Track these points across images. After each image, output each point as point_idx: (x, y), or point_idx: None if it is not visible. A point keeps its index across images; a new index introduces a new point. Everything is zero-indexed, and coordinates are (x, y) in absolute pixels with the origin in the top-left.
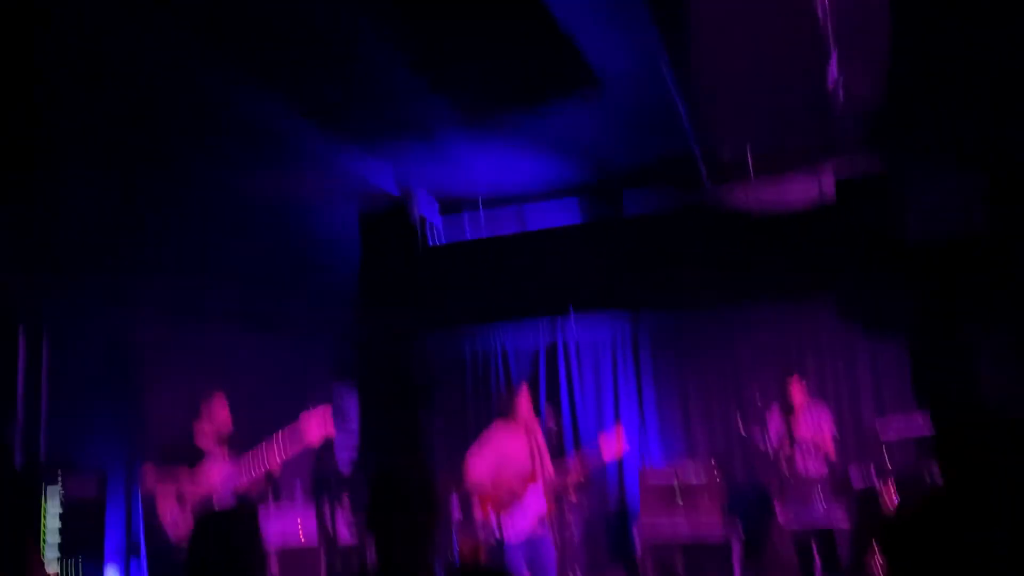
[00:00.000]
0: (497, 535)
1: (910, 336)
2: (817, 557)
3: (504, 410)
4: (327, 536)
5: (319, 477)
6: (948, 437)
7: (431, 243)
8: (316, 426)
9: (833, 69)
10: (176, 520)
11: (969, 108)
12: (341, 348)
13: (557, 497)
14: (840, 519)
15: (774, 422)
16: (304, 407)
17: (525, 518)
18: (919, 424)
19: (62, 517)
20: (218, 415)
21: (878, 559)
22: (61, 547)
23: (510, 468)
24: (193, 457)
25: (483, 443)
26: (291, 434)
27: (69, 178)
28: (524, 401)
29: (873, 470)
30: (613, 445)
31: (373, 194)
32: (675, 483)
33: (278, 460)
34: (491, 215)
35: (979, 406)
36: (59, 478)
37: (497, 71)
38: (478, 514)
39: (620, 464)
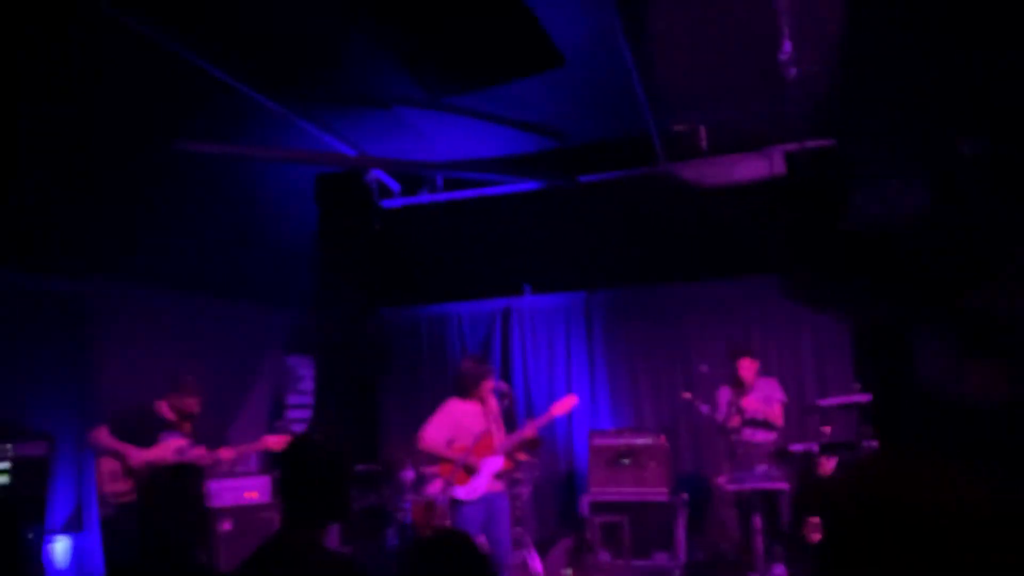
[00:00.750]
0: (452, 495)
1: (852, 316)
2: (757, 518)
3: (467, 388)
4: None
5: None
6: (884, 418)
7: (387, 206)
8: (277, 441)
9: (786, 47)
10: (119, 486)
11: (919, 94)
12: (297, 316)
13: (508, 457)
14: (780, 482)
15: (723, 399)
16: (257, 376)
17: (480, 478)
18: (856, 392)
19: (10, 474)
20: (188, 399)
21: (814, 520)
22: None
23: (464, 431)
24: (147, 431)
25: (437, 413)
26: (252, 448)
27: (20, 137)
28: (488, 386)
29: (811, 436)
30: (564, 404)
31: (331, 157)
32: (622, 445)
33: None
34: (449, 188)
35: (915, 388)
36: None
37: (456, 44)
38: (433, 476)
39: (570, 429)
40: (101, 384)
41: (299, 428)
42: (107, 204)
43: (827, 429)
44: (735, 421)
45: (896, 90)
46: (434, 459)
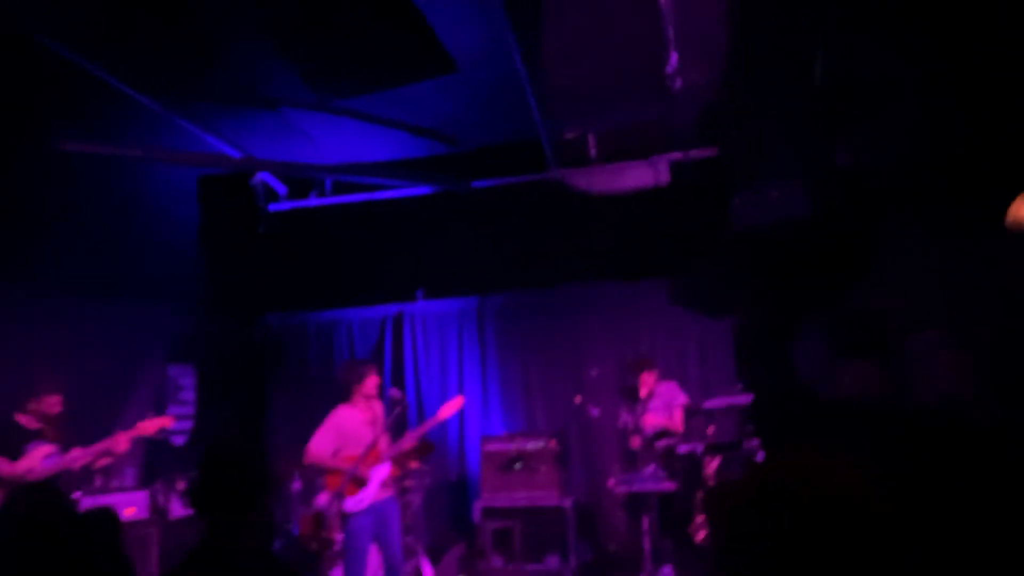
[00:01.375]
0: (340, 506)
1: (734, 319)
2: (646, 519)
3: (348, 392)
4: (158, 509)
5: (152, 454)
6: (764, 416)
7: (273, 209)
8: (153, 424)
9: (672, 58)
10: None
11: (800, 104)
12: (177, 322)
13: (398, 464)
14: (667, 482)
15: (623, 417)
16: (135, 386)
17: (368, 487)
18: (739, 393)
19: None
20: (47, 400)
21: (700, 519)
22: None
23: (350, 439)
24: (14, 441)
25: (323, 424)
26: (127, 434)
27: None
28: (371, 383)
29: (696, 436)
30: (451, 406)
31: (214, 160)
32: (513, 450)
33: (112, 455)
34: (338, 192)
35: (792, 387)
36: None
37: (347, 47)
38: (321, 487)
39: (461, 434)
40: None
41: (180, 440)
42: None
43: (711, 430)
44: (636, 442)
45: (776, 100)
46: (321, 471)
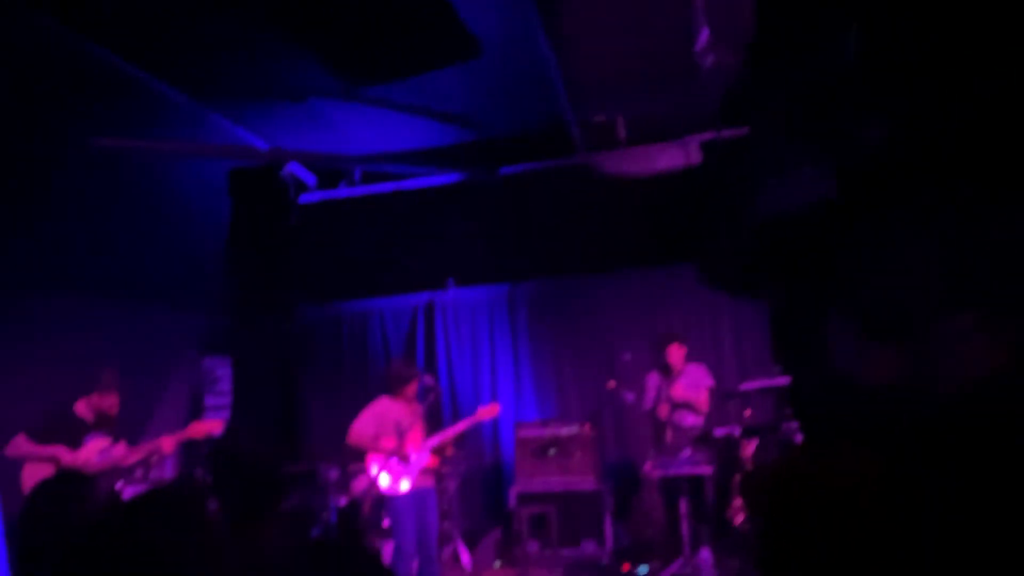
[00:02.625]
0: (383, 490)
1: (768, 302)
2: (683, 503)
3: (395, 388)
4: None
5: (189, 446)
6: (801, 398)
7: (304, 201)
8: (202, 428)
9: (703, 35)
10: None
11: (831, 81)
12: (213, 316)
13: (436, 454)
14: (704, 466)
15: (651, 385)
16: (172, 379)
17: (410, 471)
18: (776, 375)
19: None
20: (108, 398)
21: (738, 503)
22: None
23: (391, 428)
24: (71, 434)
25: (366, 409)
26: (178, 436)
27: None
28: (415, 387)
29: (733, 419)
30: (489, 410)
31: (243, 153)
32: (548, 435)
33: (164, 452)
34: (367, 181)
35: (829, 373)
36: None
37: (372, 34)
38: (358, 472)
39: (496, 421)
40: (9, 390)
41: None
42: (10, 204)
43: (748, 413)
44: (663, 410)
45: (806, 77)
46: (361, 453)
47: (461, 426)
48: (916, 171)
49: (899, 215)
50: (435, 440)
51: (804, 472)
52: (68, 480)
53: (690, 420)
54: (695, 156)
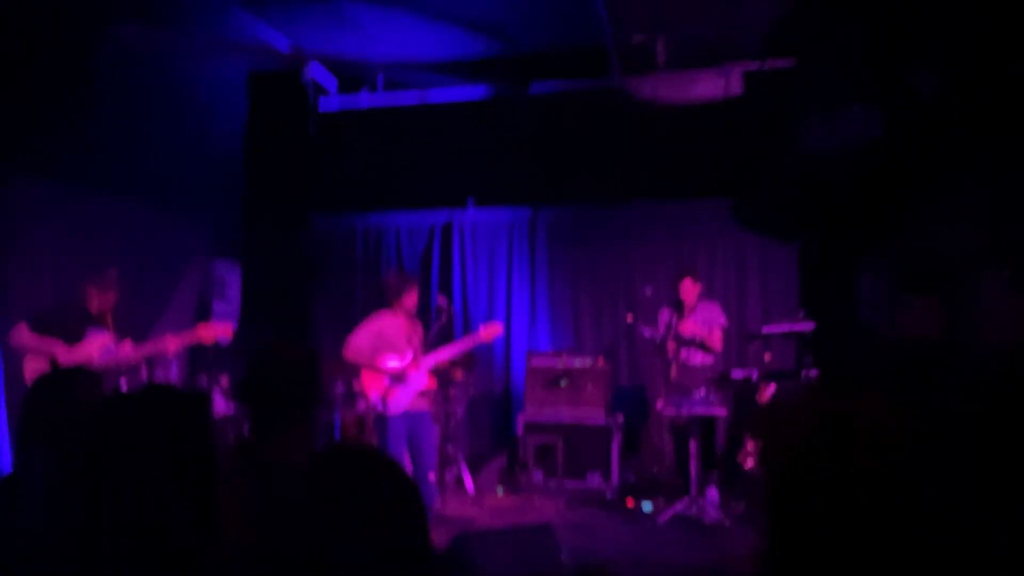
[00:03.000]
0: (378, 408)
1: (799, 245)
2: (693, 443)
3: (390, 300)
4: None
5: (196, 349)
6: (825, 345)
7: (324, 108)
8: (211, 331)
9: None
10: None
11: (884, 21)
12: (224, 219)
13: (441, 375)
14: (718, 408)
15: (662, 320)
16: (180, 280)
17: (405, 393)
18: (800, 320)
19: None
20: (105, 292)
21: (750, 446)
22: None
23: (388, 344)
24: (73, 328)
25: (364, 323)
26: (184, 337)
27: None
28: (411, 298)
29: (752, 362)
30: (490, 331)
31: (264, 52)
32: (560, 367)
33: (168, 353)
34: (390, 89)
35: (856, 324)
36: None
37: None
38: (360, 388)
39: (508, 349)
40: (17, 281)
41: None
42: (28, 100)
43: (768, 356)
44: (671, 345)
45: (856, 16)
46: (358, 369)
47: (461, 345)
48: (966, 127)
49: (945, 168)
50: (431, 359)
51: (823, 410)
52: (72, 373)
53: (698, 358)
54: (736, 86)
